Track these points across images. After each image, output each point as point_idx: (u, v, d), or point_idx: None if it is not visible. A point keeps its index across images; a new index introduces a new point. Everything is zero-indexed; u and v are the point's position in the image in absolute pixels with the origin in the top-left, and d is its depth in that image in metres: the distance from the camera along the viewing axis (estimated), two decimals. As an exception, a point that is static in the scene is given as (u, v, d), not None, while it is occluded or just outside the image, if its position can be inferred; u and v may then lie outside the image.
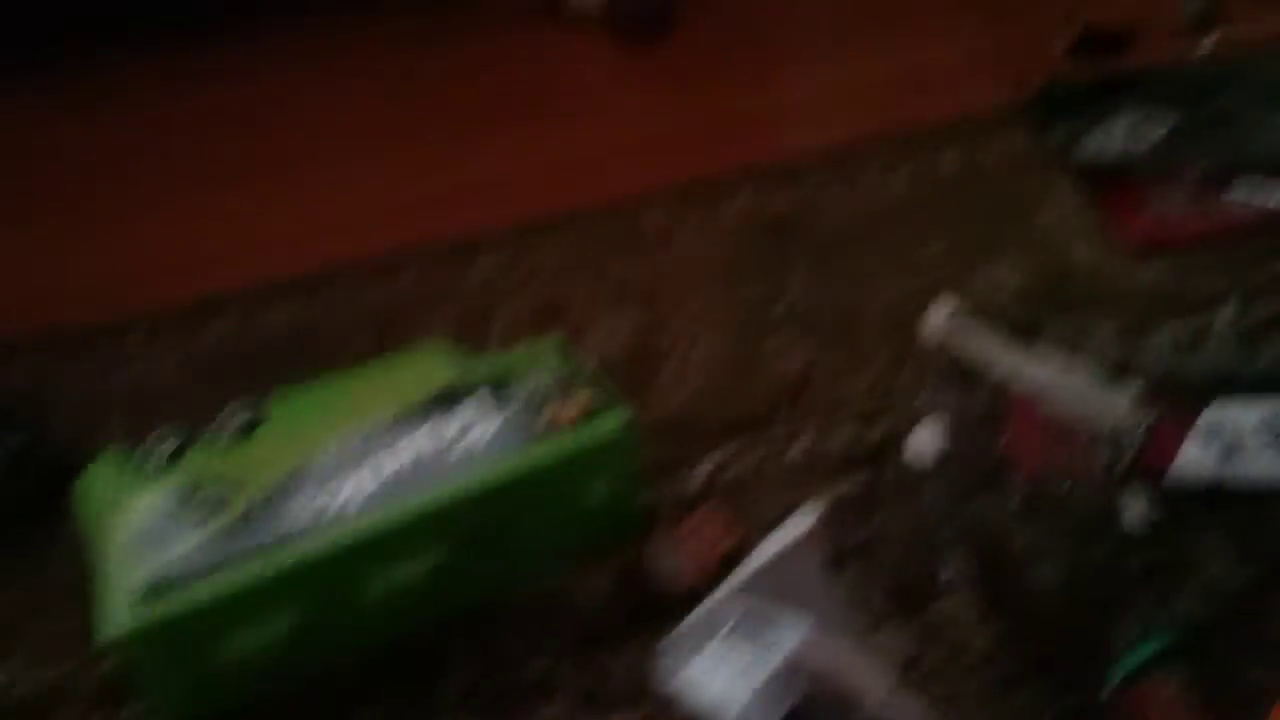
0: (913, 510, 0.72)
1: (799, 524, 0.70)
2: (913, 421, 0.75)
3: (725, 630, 0.66)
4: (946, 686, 0.63)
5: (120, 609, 0.58)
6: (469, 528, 0.66)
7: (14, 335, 0.86)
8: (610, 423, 0.68)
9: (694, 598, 0.67)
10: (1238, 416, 0.71)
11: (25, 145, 1.09)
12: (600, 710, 0.65)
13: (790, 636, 0.65)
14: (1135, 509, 0.68)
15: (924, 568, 0.70)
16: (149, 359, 0.86)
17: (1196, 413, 0.71)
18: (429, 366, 0.71)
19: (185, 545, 0.60)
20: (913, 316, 0.81)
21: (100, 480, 0.64)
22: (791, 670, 0.63)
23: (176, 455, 0.65)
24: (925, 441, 0.73)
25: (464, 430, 0.67)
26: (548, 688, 0.66)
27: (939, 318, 0.80)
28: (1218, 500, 0.69)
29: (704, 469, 0.76)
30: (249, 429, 0.66)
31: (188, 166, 1.06)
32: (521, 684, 0.66)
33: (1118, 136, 1.01)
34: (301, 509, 0.63)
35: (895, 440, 0.75)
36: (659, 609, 0.68)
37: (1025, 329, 0.81)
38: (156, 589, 0.59)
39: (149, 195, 1.03)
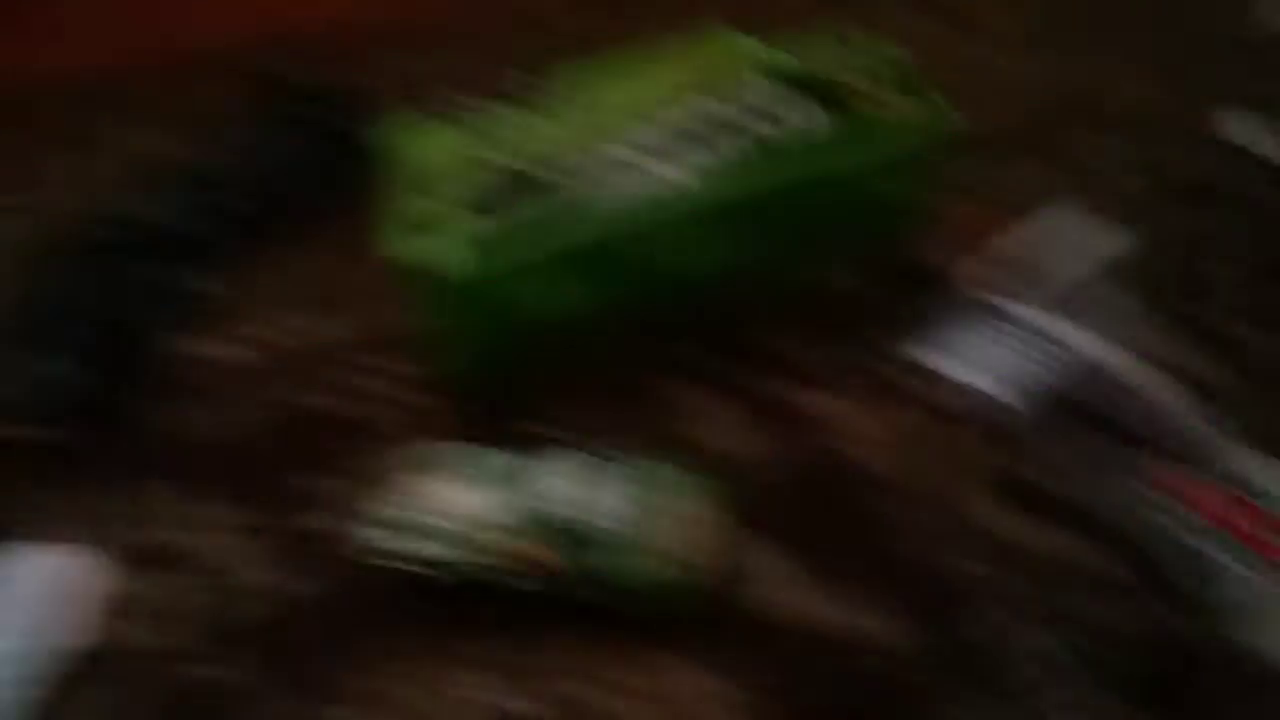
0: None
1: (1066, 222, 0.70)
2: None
3: (998, 322, 0.67)
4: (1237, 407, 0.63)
5: (450, 258, 0.60)
6: (766, 215, 0.66)
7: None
8: (923, 122, 0.65)
9: (962, 290, 0.68)
10: None
11: None
12: (824, 385, 0.66)
13: (1071, 336, 0.65)
14: None
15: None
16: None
17: None
18: (723, 54, 0.69)
19: (503, 208, 0.62)
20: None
21: (417, 142, 0.65)
22: (1070, 360, 0.64)
23: (488, 124, 0.65)
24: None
25: (767, 119, 0.65)
26: (784, 362, 0.68)
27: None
28: None
29: (989, 180, 0.74)
30: (547, 105, 0.66)
31: None
32: (759, 358, 0.68)
33: None
34: (608, 184, 0.63)
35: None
36: (925, 299, 0.68)
37: None
38: (480, 244, 0.61)
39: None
